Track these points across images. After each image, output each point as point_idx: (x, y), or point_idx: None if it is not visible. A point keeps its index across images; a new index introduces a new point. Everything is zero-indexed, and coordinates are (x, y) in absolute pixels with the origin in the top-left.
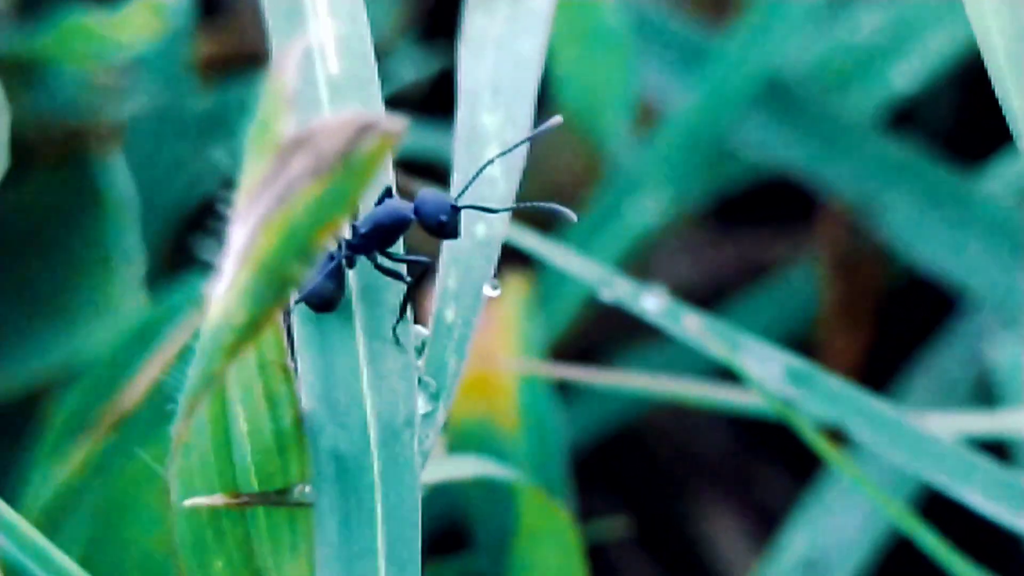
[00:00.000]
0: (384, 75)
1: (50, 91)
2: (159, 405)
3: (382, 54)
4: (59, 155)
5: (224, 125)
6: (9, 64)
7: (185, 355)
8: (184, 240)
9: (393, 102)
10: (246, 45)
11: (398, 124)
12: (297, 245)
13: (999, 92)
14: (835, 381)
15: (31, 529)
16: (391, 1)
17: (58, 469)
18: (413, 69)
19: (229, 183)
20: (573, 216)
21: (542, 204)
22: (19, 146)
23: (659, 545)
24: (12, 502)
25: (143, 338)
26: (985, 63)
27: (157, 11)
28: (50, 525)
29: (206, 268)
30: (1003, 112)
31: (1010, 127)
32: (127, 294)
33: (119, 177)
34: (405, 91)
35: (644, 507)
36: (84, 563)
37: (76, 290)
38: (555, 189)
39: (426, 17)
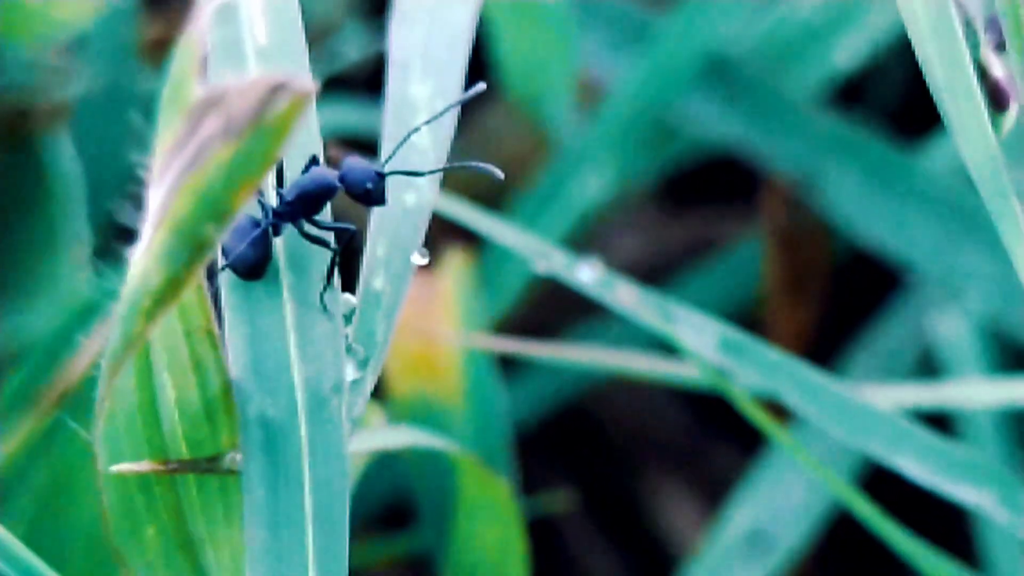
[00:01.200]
0: (330, 54)
1: None
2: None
3: (328, 32)
4: (4, 134)
5: None
6: None
7: None
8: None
9: (338, 81)
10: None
11: (309, 84)
12: (211, 207)
13: (923, 64)
14: (770, 351)
15: None
16: None
17: (1, 447)
18: (358, 47)
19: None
20: (499, 174)
21: (467, 164)
22: None
23: (609, 519)
24: None
25: (87, 316)
26: (910, 36)
27: None
28: None
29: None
30: (927, 86)
31: (935, 100)
32: (73, 273)
33: (65, 156)
34: (351, 70)
35: (595, 482)
36: (28, 541)
37: (22, 268)
38: (499, 167)
39: None
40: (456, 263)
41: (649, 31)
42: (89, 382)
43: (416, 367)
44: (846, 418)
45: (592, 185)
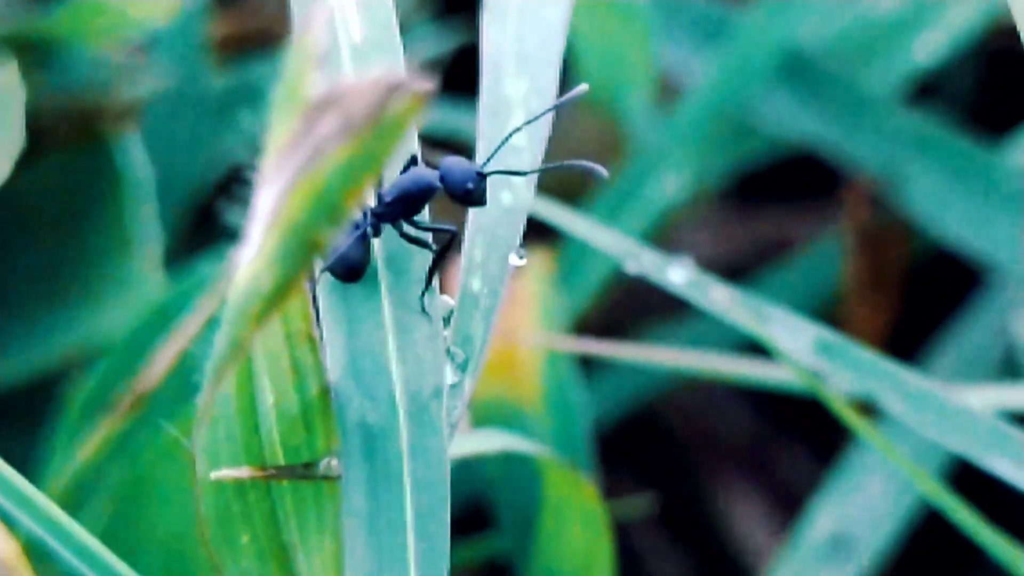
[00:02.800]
0: (404, 52)
1: (65, 70)
2: (179, 383)
3: (401, 30)
4: (75, 135)
5: (241, 104)
6: (23, 43)
7: (206, 332)
8: (201, 220)
9: None
10: (262, 24)
11: (427, 84)
12: (326, 208)
13: None
14: (865, 353)
15: (52, 507)
16: None
17: (78, 450)
18: (433, 45)
19: (256, 150)
20: (604, 172)
21: (569, 163)
22: (35, 126)
23: (681, 525)
24: (33, 483)
25: (161, 318)
26: (1019, 30)
27: None
28: (71, 505)
29: (230, 238)
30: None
31: None
32: (145, 274)
33: (135, 157)
34: (425, 68)
35: (665, 486)
36: (106, 541)
37: (94, 270)
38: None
39: None
40: (537, 263)
41: (727, 28)
42: (164, 385)
43: (497, 369)
44: (943, 421)
45: (670, 184)
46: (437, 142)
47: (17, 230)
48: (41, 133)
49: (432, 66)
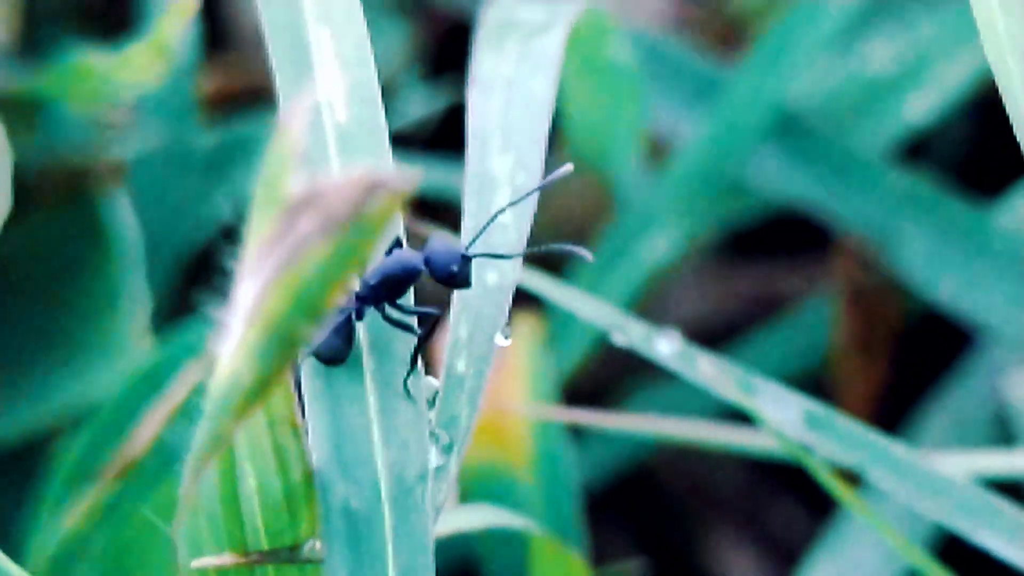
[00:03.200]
0: (390, 111)
1: (52, 130)
2: (165, 453)
3: (387, 90)
4: (62, 195)
5: (230, 163)
6: (10, 103)
7: (191, 404)
8: (190, 281)
9: (399, 139)
10: (251, 80)
11: (408, 179)
12: (306, 304)
13: (1016, 125)
14: (853, 425)
15: None
16: (396, 36)
17: (64, 517)
18: (419, 105)
19: (231, 233)
20: (588, 255)
21: (555, 246)
22: (21, 186)
23: None
24: (18, 550)
25: (149, 382)
26: (1001, 93)
27: (161, 52)
28: (57, 574)
29: (209, 319)
30: (1018, 142)
31: None
32: (133, 336)
33: (123, 217)
34: (412, 127)
35: (659, 545)
36: None
37: (81, 332)
38: (565, 226)
39: (432, 51)
40: (525, 330)
41: (717, 87)
42: (150, 453)
43: (486, 437)
44: (929, 494)
45: (659, 244)
46: (425, 203)
47: (4, 291)
48: (28, 193)
49: (418, 126)
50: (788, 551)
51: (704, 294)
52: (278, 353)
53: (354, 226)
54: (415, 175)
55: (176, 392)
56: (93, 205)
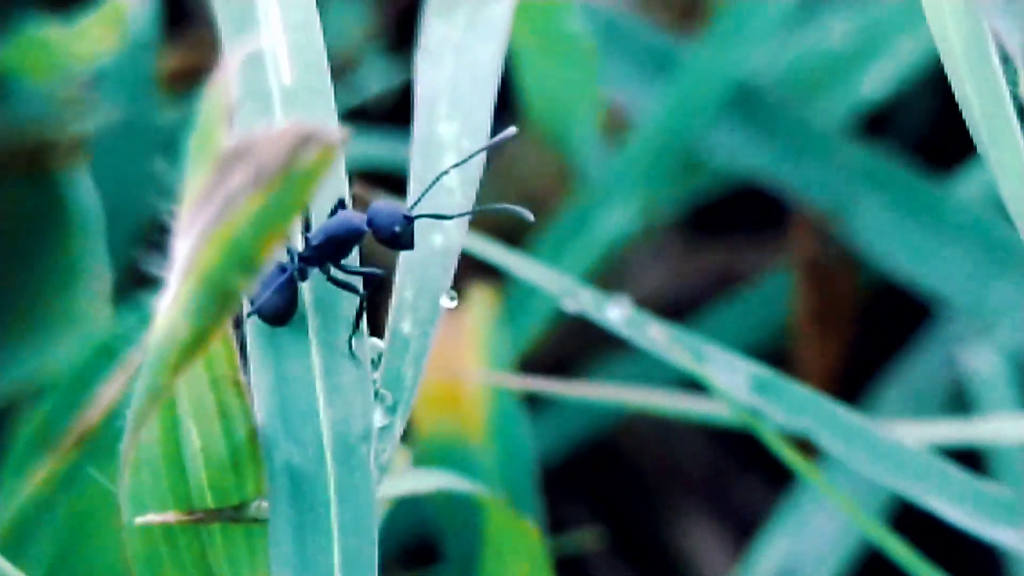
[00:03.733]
0: (352, 86)
1: (13, 104)
2: (122, 421)
3: (350, 64)
4: (23, 169)
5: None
6: None
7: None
8: (149, 255)
9: (360, 113)
10: (210, 58)
11: (340, 134)
12: (239, 258)
13: (959, 97)
14: (802, 390)
15: None
16: (359, 11)
17: (22, 487)
18: (381, 80)
19: (174, 196)
20: (530, 216)
21: (497, 207)
22: None
23: (637, 555)
24: None
25: (108, 353)
26: (946, 70)
27: (115, 23)
28: (14, 545)
29: (159, 283)
30: (964, 118)
31: (971, 133)
32: (93, 309)
33: (84, 191)
34: (374, 102)
35: (622, 517)
36: None
37: (41, 305)
38: (523, 199)
39: (394, 26)
40: (481, 300)
41: (675, 60)
42: (108, 422)
43: (442, 405)
44: (879, 459)
45: (618, 218)
46: (380, 177)
47: None
48: None
49: (379, 100)
50: (748, 523)
51: (665, 269)
52: (213, 306)
53: (286, 179)
54: (346, 130)
55: (132, 361)
56: (54, 179)
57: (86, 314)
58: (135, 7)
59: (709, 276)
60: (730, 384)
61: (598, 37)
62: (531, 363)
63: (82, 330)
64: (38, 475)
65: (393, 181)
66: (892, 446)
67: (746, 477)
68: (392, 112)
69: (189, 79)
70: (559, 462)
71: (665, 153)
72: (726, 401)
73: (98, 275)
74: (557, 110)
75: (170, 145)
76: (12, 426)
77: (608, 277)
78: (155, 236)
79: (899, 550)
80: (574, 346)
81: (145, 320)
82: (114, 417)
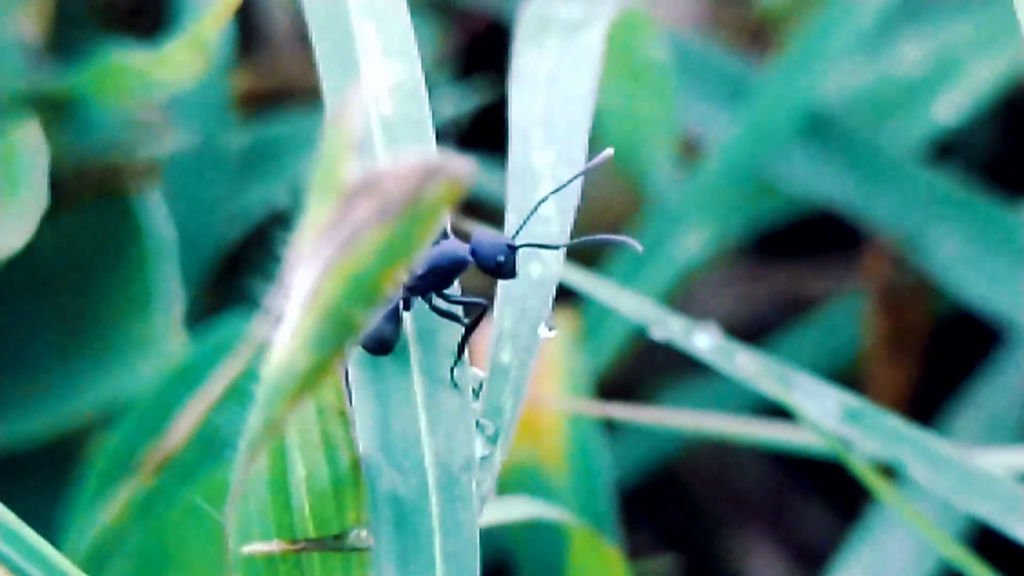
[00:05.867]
0: None
1: (87, 128)
2: (201, 447)
3: None
4: (97, 193)
5: (263, 161)
6: (46, 101)
7: (229, 396)
8: (223, 279)
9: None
10: (283, 80)
11: (465, 167)
12: (363, 291)
13: None
14: (891, 419)
15: (76, 572)
16: (429, 35)
17: (101, 513)
18: (453, 104)
19: (281, 221)
20: (636, 245)
21: (600, 237)
22: (56, 184)
23: None
24: (55, 545)
25: (184, 378)
26: None
27: (201, 49)
28: (93, 568)
29: (253, 305)
30: None
31: None
32: (167, 333)
33: (157, 215)
34: (444, 127)
35: (686, 545)
36: None
37: (116, 329)
38: (598, 225)
39: (463, 51)
40: (560, 326)
41: (748, 87)
42: (186, 447)
43: (521, 432)
44: (965, 486)
45: (690, 243)
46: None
47: (39, 288)
48: (63, 191)
49: (451, 126)
50: (812, 553)
51: (735, 294)
52: (333, 339)
53: (412, 212)
54: (472, 164)
55: (210, 390)
56: (128, 203)
57: (160, 339)
58: (219, 32)
59: (778, 301)
60: (819, 413)
61: (674, 64)
62: (603, 385)
63: (156, 355)
64: (117, 501)
65: (471, 207)
66: (978, 474)
67: (810, 505)
68: (466, 137)
69: (260, 101)
70: (628, 489)
71: (738, 179)
72: (814, 430)
73: (172, 299)
74: (633, 135)
75: (243, 168)
76: (87, 452)
77: (678, 302)
78: (240, 258)
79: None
80: (644, 368)
81: (221, 345)
82: (193, 443)
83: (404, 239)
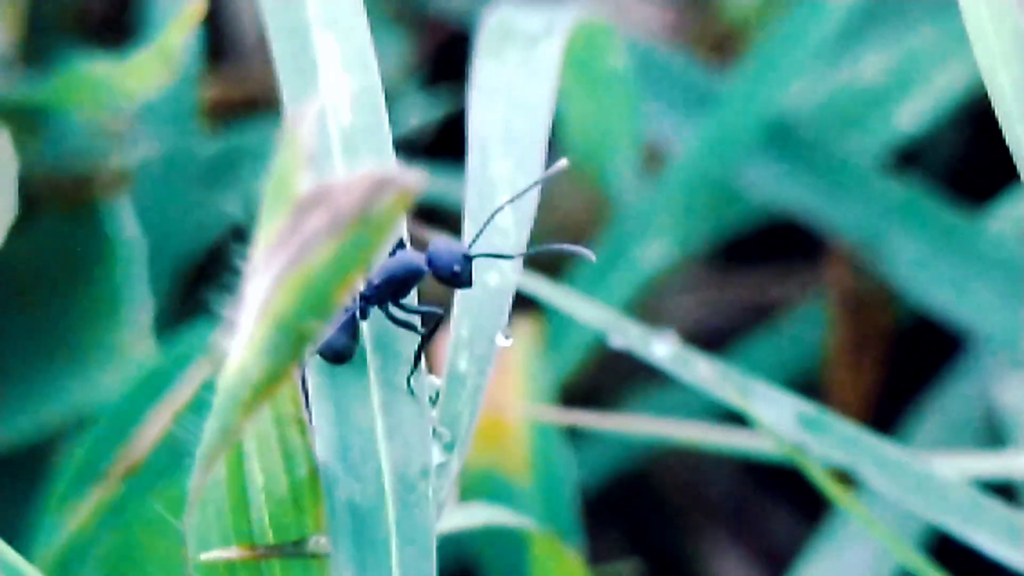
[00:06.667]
0: (390, 120)
1: (56, 138)
2: (167, 454)
3: (386, 98)
4: (66, 202)
5: (231, 170)
6: (15, 110)
7: (194, 404)
8: (191, 287)
9: (400, 147)
10: (251, 89)
11: (415, 179)
12: (315, 301)
13: (1007, 133)
14: (846, 426)
15: None
16: (395, 45)
17: (68, 519)
18: (419, 113)
19: (239, 233)
20: (590, 254)
21: (555, 246)
22: (26, 193)
23: None
24: (22, 552)
25: (152, 386)
26: (993, 105)
27: (167, 59)
28: (61, 574)
29: (215, 317)
30: (1010, 152)
31: (1018, 167)
32: (135, 341)
33: (126, 223)
34: (411, 135)
35: (652, 548)
36: None
37: (84, 337)
38: (562, 233)
39: (430, 61)
40: (524, 334)
41: (711, 96)
42: (153, 454)
43: (484, 438)
44: (921, 493)
45: (654, 250)
46: (422, 211)
47: (8, 296)
48: (33, 200)
49: (418, 134)
50: (778, 555)
51: (698, 301)
52: (286, 349)
53: (362, 224)
54: (422, 175)
55: (180, 393)
56: (96, 212)
57: (128, 346)
58: (186, 42)
59: (742, 308)
60: (775, 419)
61: (635, 71)
62: (568, 391)
63: (124, 362)
64: (85, 506)
65: (434, 215)
66: (934, 480)
67: (774, 508)
68: (431, 145)
69: (229, 110)
70: (592, 493)
71: (701, 186)
72: (771, 437)
73: (140, 307)
74: (597, 144)
75: (211, 176)
76: (56, 458)
77: (643, 309)
78: (208, 267)
79: None
80: (609, 375)
81: (189, 352)
82: (160, 449)
83: (355, 250)
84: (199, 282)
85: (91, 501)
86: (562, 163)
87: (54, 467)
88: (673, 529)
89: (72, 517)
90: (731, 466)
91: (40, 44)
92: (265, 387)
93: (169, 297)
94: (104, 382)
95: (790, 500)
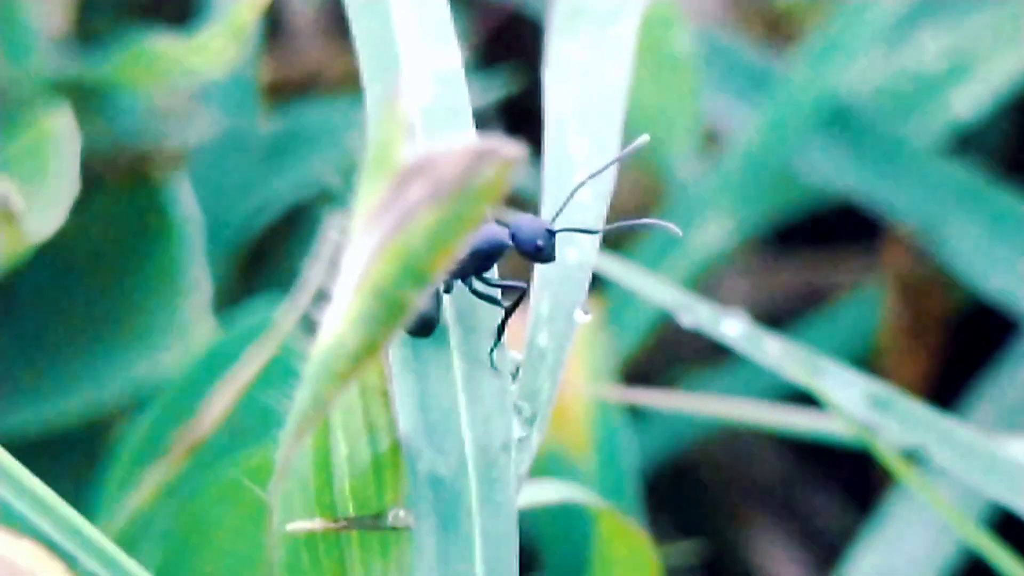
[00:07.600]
0: None
1: (116, 117)
2: (232, 429)
3: None
4: (125, 180)
5: (288, 150)
6: (76, 90)
7: (259, 380)
8: (250, 264)
9: None
10: (309, 69)
11: (517, 150)
12: (414, 271)
13: None
14: (916, 405)
15: (111, 545)
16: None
17: (131, 494)
18: (475, 96)
19: (327, 201)
20: (674, 228)
21: (639, 221)
22: (87, 171)
23: (718, 572)
24: None
25: (212, 364)
26: None
27: (236, 37)
28: (123, 550)
29: (279, 293)
30: None
31: None
32: (194, 319)
33: (185, 201)
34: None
35: (701, 534)
36: None
37: (143, 315)
38: (620, 214)
39: (488, 43)
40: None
41: (771, 80)
42: (216, 431)
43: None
44: (993, 474)
45: (711, 233)
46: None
47: (69, 274)
48: (93, 178)
49: (477, 115)
50: (828, 542)
51: (754, 284)
52: (384, 320)
53: (464, 194)
54: (520, 148)
55: (241, 373)
56: (156, 190)
57: (188, 325)
58: (254, 20)
59: (799, 290)
60: (845, 400)
61: (698, 55)
62: (623, 372)
63: (183, 340)
64: (147, 484)
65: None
66: (1004, 461)
67: (825, 494)
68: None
69: (287, 91)
70: (647, 477)
71: (759, 170)
72: (842, 417)
73: (199, 285)
74: (657, 126)
75: (269, 155)
76: (115, 437)
77: (700, 292)
78: (266, 244)
79: (1005, 559)
80: (663, 356)
81: (249, 330)
82: (222, 426)
83: (456, 220)
84: (258, 261)
85: (154, 477)
86: (643, 139)
87: (115, 445)
88: (723, 514)
89: (134, 494)
90: (776, 450)
91: (92, 24)
92: (360, 358)
93: (228, 276)
94: (164, 360)
95: (840, 485)
